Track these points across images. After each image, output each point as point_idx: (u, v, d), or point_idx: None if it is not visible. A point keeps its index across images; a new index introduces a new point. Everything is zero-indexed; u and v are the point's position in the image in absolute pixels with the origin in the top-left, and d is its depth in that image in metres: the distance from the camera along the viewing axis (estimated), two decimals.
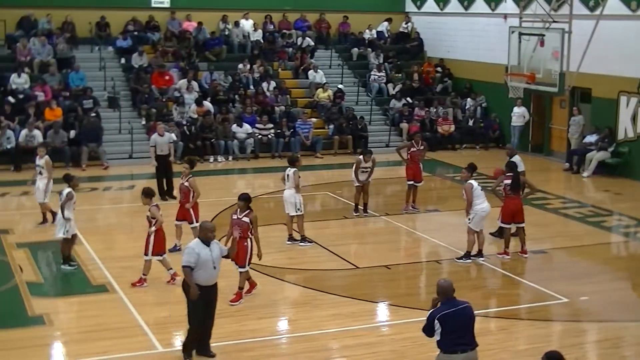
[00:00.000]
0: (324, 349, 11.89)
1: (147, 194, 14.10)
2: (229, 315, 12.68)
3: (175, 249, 15.72)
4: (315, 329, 12.44)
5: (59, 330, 12.32)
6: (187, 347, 11.06)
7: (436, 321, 8.84)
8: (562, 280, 14.73)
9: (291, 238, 16.69)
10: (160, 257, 14.08)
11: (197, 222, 15.62)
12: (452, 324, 8.83)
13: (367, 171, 18.64)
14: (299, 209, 16.46)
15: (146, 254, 13.95)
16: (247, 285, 13.52)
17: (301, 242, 16.61)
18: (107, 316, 12.79)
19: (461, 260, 15.63)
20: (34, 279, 14.45)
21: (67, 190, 14.91)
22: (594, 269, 15.77)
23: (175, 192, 18.32)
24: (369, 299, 13.81)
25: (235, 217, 13.21)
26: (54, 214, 17.55)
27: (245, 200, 13.26)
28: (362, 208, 19.05)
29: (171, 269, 14.09)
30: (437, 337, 8.91)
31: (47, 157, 17.85)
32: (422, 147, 19.66)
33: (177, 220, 15.91)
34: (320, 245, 16.70)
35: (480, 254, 15.69)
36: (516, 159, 17.16)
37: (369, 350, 11.65)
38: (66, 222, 14.77)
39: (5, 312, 13.06)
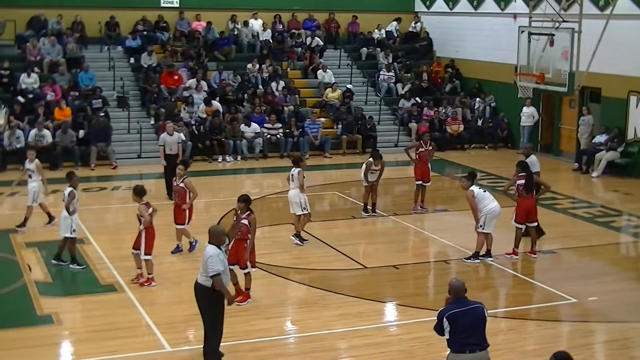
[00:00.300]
0: (332, 348, 11.88)
1: (137, 192, 14.09)
2: (237, 315, 12.66)
3: (178, 250, 15.78)
4: (323, 329, 12.44)
5: (68, 330, 12.35)
6: (217, 354, 10.93)
7: (445, 320, 8.86)
8: (571, 281, 14.69)
9: (297, 235, 16.71)
10: (148, 257, 14.05)
11: (188, 224, 15.69)
12: (461, 324, 8.82)
13: (376, 172, 18.67)
14: (304, 208, 16.48)
15: (145, 253, 13.96)
16: (233, 290, 13.31)
17: (294, 235, 16.63)
18: (115, 315, 12.82)
19: (469, 261, 15.61)
20: (42, 279, 14.49)
21: (68, 189, 14.94)
22: (603, 270, 15.72)
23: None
24: (377, 298, 13.80)
25: (235, 218, 13.15)
26: (50, 216, 17.55)
27: (244, 202, 13.10)
28: (370, 208, 19.05)
29: (145, 273, 14.12)
30: (446, 335, 8.91)
31: (37, 160, 17.69)
32: (430, 148, 19.64)
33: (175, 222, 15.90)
34: (329, 245, 16.70)
35: (488, 253, 15.66)
36: (532, 159, 17.10)
37: (377, 350, 11.64)
38: (72, 220, 14.78)
39: (14, 311, 13.10)
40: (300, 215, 16.54)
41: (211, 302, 10.67)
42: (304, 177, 16.52)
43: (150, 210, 13.98)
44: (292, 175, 16.50)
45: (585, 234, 18.11)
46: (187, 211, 15.65)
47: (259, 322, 12.59)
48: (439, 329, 8.98)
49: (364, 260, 15.99)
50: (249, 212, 13.07)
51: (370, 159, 18.70)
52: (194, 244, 15.86)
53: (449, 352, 9.00)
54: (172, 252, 15.60)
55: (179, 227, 15.77)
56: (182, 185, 15.55)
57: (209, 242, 10.84)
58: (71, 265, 14.95)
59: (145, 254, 13.95)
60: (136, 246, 14.05)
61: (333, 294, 13.89)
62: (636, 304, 13.86)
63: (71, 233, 14.90)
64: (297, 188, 16.44)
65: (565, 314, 13.35)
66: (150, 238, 14.00)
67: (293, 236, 16.64)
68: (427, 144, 19.57)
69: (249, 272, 13.21)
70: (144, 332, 12.18)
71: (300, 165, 16.62)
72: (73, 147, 24.30)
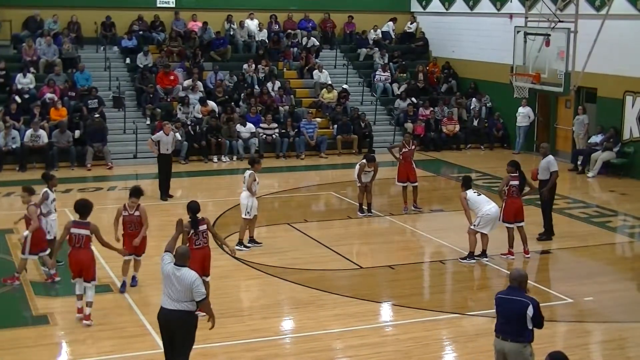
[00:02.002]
0: (328, 348, 11.88)
1: (28, 189, 13.95)
2: (233, 315, 12.70)
3: (124, 289, 13.99)
4: (320, 329, 12.44)
5: (63, 330, 12.33)
6: None
7: (494, 300, 9.39)
8: (567, 281, 14.71)
9: (240, 242, 16.29)
10: (28, 257, 13.95)
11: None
12: (501, 310, 9.26)
13: (369, 173, 18.67)
14: (248, 212, 16.03)
15: (30, 252, 13.84)
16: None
17: (248, 243, 16.30)
18: (111, 316, 12.81)
19: (465, 261, 15.62)
20: (38, 279, 14.46)
21: (43, 190, 14.69)
22: (598, 270, 15.73)
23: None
24: (372, 299, 13.80)
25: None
26: None
27: (189, 209, 12.63)
28: (366, 208, 19.05)
29: (53, 270, 14.07)
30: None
31: None
32: (413, 147, 19.64)
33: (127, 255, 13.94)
34: (325, 245, 16.70)
35: (484, 254, 15.67)
36: (550, 159, 17.06)
37: (373, 350, 11.64)
38: (47, 222, 14.50)
39: (10, 311, 13.10)
40: (246, 219, 16.17)
41: (195, 325, 10.00)
42: (254, 180, 15.97)
43: (39, 211, 13.94)
44: (245, 177, 16.13)
45: (581, 234, 18.13)
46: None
47: (255, 322, 12.59)
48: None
49: (360, 260, 15.98)
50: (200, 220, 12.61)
51: (364, 161, 18.71)
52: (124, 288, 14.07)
53: None
54: (121, 291, 13.98)
55: (139, 257, 14.07)
56: (137, 214, 13.86)
57: (182, 264, 9.91)
58: (42, 267, 14.81)
59: (30, 253, 13.82)
60: (34, 250, 13.89)
61: (329, 294, 13.89)
62: (632, 304, 13.88)
63: (46, 235, 14.67)
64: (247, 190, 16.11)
65: (561, 314, 13.35)
66: (37, 239, 13.85)
67: (248, 244, 16.28)
68: (410, 144, 19.59)
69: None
70: (140, 332, 12.15)
71: (254, 167, 16.16)
72: (69, 147, 24.26)
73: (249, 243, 16.37)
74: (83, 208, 12.57)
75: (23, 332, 12.17)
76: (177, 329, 9.85)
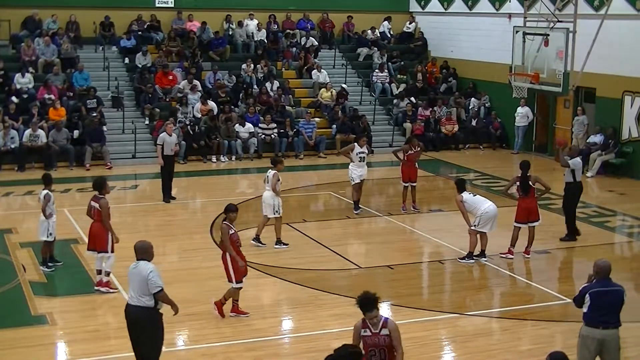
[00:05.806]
0: (327, 348, 11.77)
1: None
2: (232, 315, 12.68)
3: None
4: (318, 329, 12.45)
5: (62, 330, 12.33)
6: None
7: (587, 296, 9.65)
8: (566, 281, 14.73)
9: (257, 238, 16.36)
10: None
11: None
12: (601, 302, 9.61)
13: (363, 158, 18.72)
14: (277, 211, 16.11)
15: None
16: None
17: (276, 244, 16.32)
18: (109, 315, 12.83)
19: (464, 261, 15.62)
20: (37, 279, 14.46)
21: (44, 192, 14.62)
22: None
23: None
24: None
25: (232, 231, 12.54)
26: None
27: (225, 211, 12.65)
28: (356, 203, 19.13)
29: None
30: (584, 309, 9.70)
31: None
32: (418, 149, 19.69)
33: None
34: (323, 245, 16.70)
35: (482, 254, 15.68)
36: (576, 161, 17.09)
37: None
38: (48, 224, 14.52)
39: (9, 312, 13.09)
40: (270, 218, 16.19)
41: (156, 322, 9.90)
42: (278, 179, 16.06)
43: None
44: (267, 176, 16.20)
45: (580, 234, 18.11)
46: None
47: (254, 322, 12.58)
48: (578, 302, 9.78)
49: (359, 260, 15.98)
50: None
51: (355, 143, 18.88)
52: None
53: (582, 325, 9.77)
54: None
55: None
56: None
57: (141, 258, 9.93)
58: (41, 267, 14.85)
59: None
60: None
61: (328, 294, 13.89)
62: (631, 304, 13.82)
63: (48, 237, 14.65)
64: (272, 190, 16.13)
65: (560, 314, 13.35)
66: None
67: (276, 245, 16.31)
68: (416, 147, 19.64)
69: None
70: None
71: (277, 167, 16.24)
72: (67, 146, 24.21)
73: (276, 244, 16.35)
74: (95, 183, 14.14)
75: (22, 332, 12.15)
76: (141, 325, 9.84)
